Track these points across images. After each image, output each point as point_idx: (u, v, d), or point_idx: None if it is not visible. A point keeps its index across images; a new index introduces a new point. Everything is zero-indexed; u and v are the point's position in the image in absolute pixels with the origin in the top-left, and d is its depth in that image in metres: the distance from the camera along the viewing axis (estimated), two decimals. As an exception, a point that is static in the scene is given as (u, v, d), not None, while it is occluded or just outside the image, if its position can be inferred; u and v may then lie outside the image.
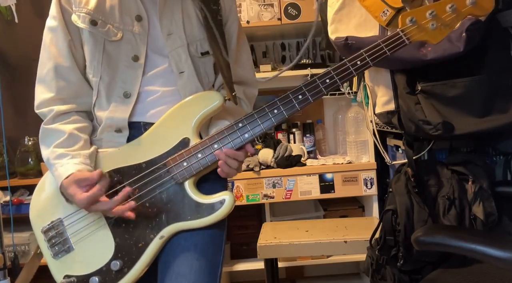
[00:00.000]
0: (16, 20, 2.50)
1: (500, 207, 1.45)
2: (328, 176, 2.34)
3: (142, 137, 1.12)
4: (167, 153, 1.09)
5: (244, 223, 2.57)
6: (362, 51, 1.07)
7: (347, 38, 1.54)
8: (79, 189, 1.03)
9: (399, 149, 1.92)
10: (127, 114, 1.12)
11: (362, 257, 1.76)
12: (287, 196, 2.34)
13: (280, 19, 2.34)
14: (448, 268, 1.25)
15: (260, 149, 2.44)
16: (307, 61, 2.54)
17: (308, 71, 2.32)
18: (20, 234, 2.51)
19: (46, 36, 1.16)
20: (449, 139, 1.55)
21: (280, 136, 2.59)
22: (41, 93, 1.14)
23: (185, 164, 1.07)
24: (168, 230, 1.07)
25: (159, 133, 1.11)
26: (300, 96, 1.07)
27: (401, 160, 1.84)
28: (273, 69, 2.46)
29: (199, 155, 1.07)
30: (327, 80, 1.08)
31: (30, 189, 2.76)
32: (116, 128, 1.13)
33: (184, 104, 1.12)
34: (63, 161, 1.07)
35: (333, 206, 2.58)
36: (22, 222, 2.60)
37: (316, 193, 2.35)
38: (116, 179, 1.09)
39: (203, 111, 1.10)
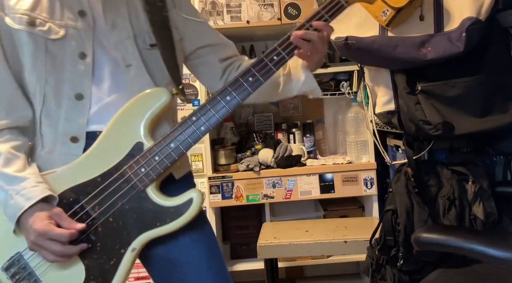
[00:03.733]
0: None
1: (500, 207, 1.45)
2: (328, 176, 2.34)
3: (91, 149, 1.04)
4: (122, 162, 1.02)
5: (244, 223, 2.57)
6: (303, 21, 1.05)
7: (347, 38, 1.54)
8: (45, 219, 0.96)
9: (399, 149, 1.92)
10: (85, 119, 1.05)
11: (362, 257, 1.76)
12: (287, 196, 2.34)
13: (280, 19, 2.34)
14: (448, 268, 1.25)
15: (260, 149, 2.44)
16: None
17: (308, 71, 2.31)
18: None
19: None
20: (449, 139, 1.55)
21: (280, 136, 2.58)
22: None
23: (143, 170, 1.01)
24: (139, 241, 1.02)
25: (108, 141, 1.03)
26: (250, 78, 1.03)
27: (401, 160, 1.84)
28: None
29: (157, 158, 1.01)
30: (275, 57, 1.04)
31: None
32: (72, 136, 1.04)
33: (129, 107, 1.04)
34: (16, 186, 0.98)
35: (333, 206, 2.58)
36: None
37: (316, 193, 2.34)
38: (72, 199, 1.01)
39: (151, 111, 1.03)
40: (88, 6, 1.06)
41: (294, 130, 2.58)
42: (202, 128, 1.03)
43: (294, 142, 2.56)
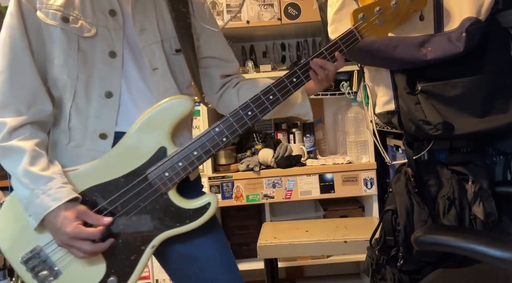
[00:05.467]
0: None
1: (500, 207, 1.45)
2: (328, 176, 2.34)
3: (115, 150, 1.07)
4: (145, 165, 1.07)
5: (244, 223, 2.57)
6: (322, 49, 1.15)
7: (347, 38, 1.54)
8: (73, 220, 0.99)
9: (399, 149, 1.92)
10: (114, 117, 1.08)
11: (362, 257, 1.76)
12: (287, 196, 2.34)
13: (280, 19, 2.34)
14: (448, 268, 1.25)
15: (260, 149, 2.44)
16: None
17: (308, 71, 2.31)
18: (20, 234, 2.51)
19: (2, 35, 1.05)
20: (449, 139, 1.55)
21: (280, 136, 2.59)
22: None
23: (166, 174, 1.06)
24: (158, 239, 1.09)
25: (133, 143, 1.07)
26: (271, 97, 1.12)
27: (401, 160, 1.84)
28: (273, 69, 2.46)
29: (180, 164, 1.07)
30: (294, 79, 1.14)
31: (30, 189, 2.75)
32: (101, 133, 1.07)
33: (155, 112, 1.08)
34: (43, 186, 1.00)
35: (333, 206, 2.58)
36: (22, 222, 2.61)
37: (316, 193, 2.35)
38: (95, 197, 1.05)
39: (176, 118, 1.08)
40: (119, 6, 1.09)
41: (294, 130, 2.58)
42: (224, 139, 1.09)
43: (294, 142, 2.56)
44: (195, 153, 1.08)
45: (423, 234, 1.18)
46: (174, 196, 1.09)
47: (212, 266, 1.15)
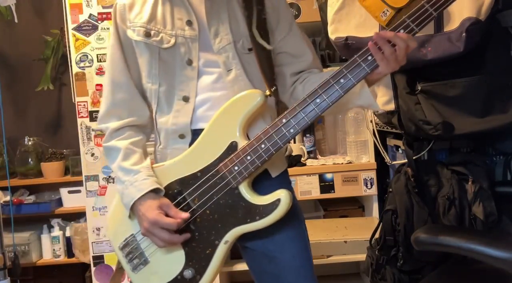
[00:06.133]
0: (16, 20, 2.50)
1: (500, 207, 1.45)
2: (328, 176, 2.34)
3: (193, 147, 1.14)
4: (218, 159, 1.11)
5: (244, 223, 2.56)
6: (404, 17, 0.99)
7: (347, 38, 1.54)
8: (156, 209, 1.09)
9: (399, 149, 1.92)
10: (189, 119, 1.15)
11: (362, 257, 1.76)
12: (287, 196, 2.34)
13: (280, 19, 2.34)
14: (448, 268, 1.25)
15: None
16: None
17: (308, 71, 2.31)
18: (20, 234, 2.51)
19: (107, 54, 1.24)
20: (449, 139, 1.55)
21: (280, 136, 2.58)
22: (101, 108, 1.22)
23: (236, 168, 1.08)
24: (231, 234, 1.09)
25: (208, 139, 1.13)
26: (342, 80, 1.02)
27: (401, 160, 1.84)
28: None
29: (249, 158, 1.07)
30: (369, 57, 1.03)
31: (30, 189, 2.76)
32: (180, 133, 1.16)
33: (227, 107, 1.12)
34: (131, 178, 1.12)
35: (333, 206, 2.58)
36: (22, 222, 2.61)
37: (316, 193, 2.34)
38: (176, 190, 1.13)
39: (246, 112, 1.10)
40: (194, 15, 1.16)
41: (294, 130, 2.58)
42: (292, 130, 1.06)
43: (294, 142, 2.56)
44: (263, 146, 1.07)
45: (423, 234, 1.18)
46: (246, 191, 1.09)
47: (288, 270, 1.14)
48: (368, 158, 2.38)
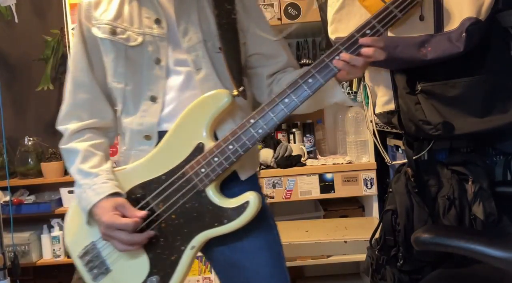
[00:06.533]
0: (16, 20, 2.50)
1: (500, 207, 1.45)
2: (328, 176, 2.34)
3: (158, 148, 1.10)
4: (184, 162, 1.07)
5: (244, 223, 2.56)
6: (370, 18, 1.00)
7: (347, 38, 1.54)
8: (110, 211, 1.04)
9: (399, 149, 1.92)
10: (156, 119, 1.12)
11: (362, 257, 1.76)
12: (287, 196, 2.34)
13: (280, 19, 2.34)
14: (448, 268, 1.25)
15: (260, 149, 2.44)
16: (307, 61, 2.54)
17: (308, 71, 2.31)
18: (20, 234, 2.51)
19: (71, 52, 1.20)
20: (449, 139, 1.55)
21: (280, 136, 2.58)
22: (61, 109, 1.17)
23: (203, 170, 1.05)
24: (198, 239, 1.06)
25: (174, 141, 1.09)
26: (310, 80, 1.02)
27: (401, 160, 1.84)
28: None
29: (216, 159, 1.04)
30: (337, 57, 1.02)
31: (30, 189, 2.76)
32: (146, 134, 1.12)
33: (193, 108, 1.09)
34: (89, 181, 1.08)
35: (333, 206, 2.58)
36: (22, 222, 2.61)
37: (316, 193, 2.34)
38: (139, 195, 1.09)
39: (213, 112, 1.07)
40: (164, 14, 1.14)
41: (294, 130, 2.58)
42: (260, 131, 1.04)
43: (294, 142, 2.56)
44: (230, 147, 1.04)
45: (423, 234, 1.18)
46: (213, 194, 1.05)
47: (259, 279, 1.10)
48: (368, 158, 2.38)
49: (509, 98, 1.39)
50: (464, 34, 1.35)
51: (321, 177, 2.34)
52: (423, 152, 1.58)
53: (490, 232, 1.42)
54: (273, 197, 2.34)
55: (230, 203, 1.05)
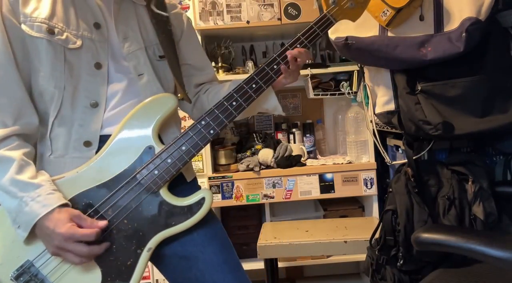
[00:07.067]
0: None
1: (500, 207, 1.45)
2: (328, 176, 2.34)
3: (101, 154, 1.07)
4: (133, 165, 1.06)
5: (244, 223, 2.57)
6: (299, 35, 1.18)
7: (347, 38, 1.54)
8: (67, 222, 0.97)
9: (399, 149, 1.92)
10: (98, 125, 1.08)
11: (362, 257, 1.76)
12: (287, 196, 2.34)
13: (280, 19, 2.34)
14: (448, 268, 1.25)
15: (260, 149, 2.44)
16: (307, 61, 2.53)
17: (308, 71, 2.32)
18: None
19: None
20: (449, 139, 1.55)
21: (280, 136, 2.59)
22: None
23: (156, 172, 1.05)
24: (154, 241, 1.06)
25: (118, 146, 1.07)
26: (254, 85, 1.13)
27: (401, 160, 1.84)
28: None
29: (169, 161, 1.06)
30: (275, 66, 1.14)
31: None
32: (86, 140, 1.07)
33: (138, 111, 1.08)
34: (31, 193, 0.98)
35: (333, 206, 2.58)
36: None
37: (316, 193, 2.35)
38: (84, 204, 1.03)
39: (160, 116, 1.09)
40: (103, 19, 1.11)
41: (294, 130, 2.58)
42: (212, 131, 1.09)
43: (294, 142, 2.56)
44: (183, 148, 1.07)
45: (423, 234, 1.17)
46: (166, 195, 1.07)
47: (213, 266, 1.11)
48: (368, 158, 2.38)
49: (509, 98, 1.40)
50: (464, 34, 1.35)
51: (321, 177, 2.34)
52: (423, 152, 1.58)
53: (490, 232, 1.42)
54: (273, 197, 2.34)
55: (186, 201, 1.08)
